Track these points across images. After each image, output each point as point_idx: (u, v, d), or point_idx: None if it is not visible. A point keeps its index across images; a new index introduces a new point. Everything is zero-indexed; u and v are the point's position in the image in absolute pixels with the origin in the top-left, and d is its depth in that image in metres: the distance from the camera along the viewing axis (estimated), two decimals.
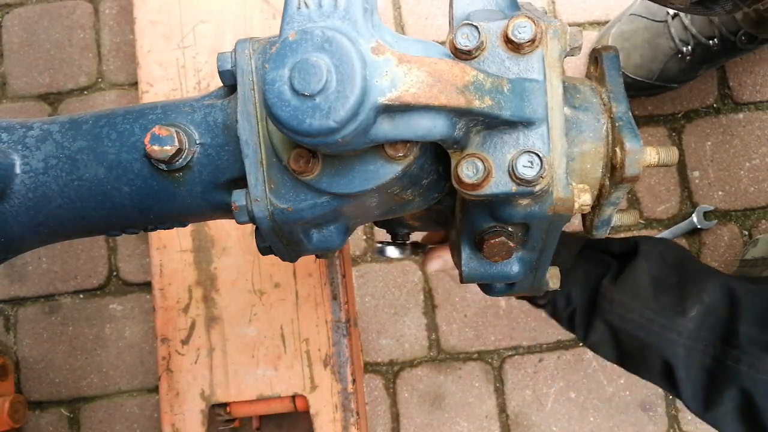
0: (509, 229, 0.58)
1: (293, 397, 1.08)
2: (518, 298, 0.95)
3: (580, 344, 1.26)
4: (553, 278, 0.74)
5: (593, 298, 0.85)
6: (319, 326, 1.07)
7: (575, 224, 1.33)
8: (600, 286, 0.84)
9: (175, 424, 1.07)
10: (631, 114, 0.58)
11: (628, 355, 0.84)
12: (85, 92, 1.43)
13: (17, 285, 1.37)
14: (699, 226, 1.32)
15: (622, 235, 1.34)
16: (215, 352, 1.08)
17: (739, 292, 0.78)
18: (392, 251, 0.80)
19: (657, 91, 1.30)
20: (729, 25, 1.19)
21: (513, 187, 0.50)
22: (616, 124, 0.57)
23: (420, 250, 0.88)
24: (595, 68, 0.63)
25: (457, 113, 0.47)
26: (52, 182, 0.56)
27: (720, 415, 0.76)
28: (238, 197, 0.53)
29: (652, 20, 1.24)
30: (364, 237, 1.37)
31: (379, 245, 0.80)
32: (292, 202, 0.52)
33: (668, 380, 0.80)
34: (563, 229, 0.72)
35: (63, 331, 1.36)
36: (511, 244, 0.58)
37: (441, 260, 0.86)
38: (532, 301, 0.93)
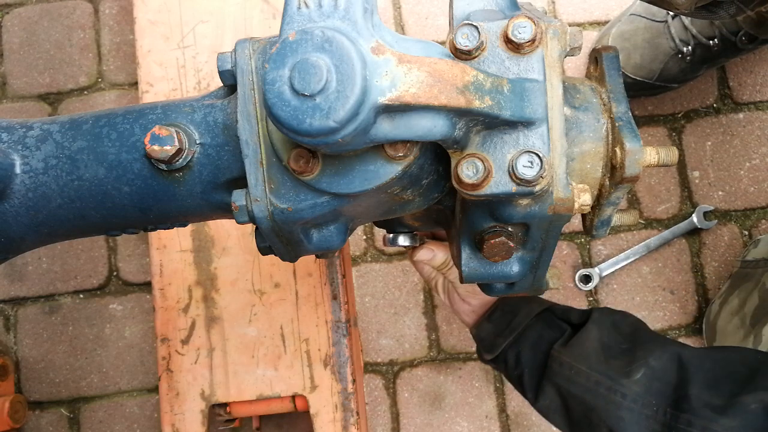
0: (509, 229, 0.58)
1: (293, 397, 1.08)
2: (481, 359, 0.95)
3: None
4: (553, 278, 0.74)
5: (543, 361, 0.84)
6: (319, 326, 1.07)
7: (575, 224, 1.33)
8: (551, 349, 0.84)
9: (175, 424, 1.07)
10: (631, 114, 0.58)
11: (576, 422, 0.82)
12: (85, 92, 1.43)
13: (17, 285, 1.37)
14: (699, 226, 1.32)
15: (622, 236, 1.34)
16: (215, 352, 1.08)
17: (687, 357, 0.77)
18: (403, 240, 0.81)
19: (657, 91, 1.30)
20: (729, 25, 1.19)
21: (513, 187, 0.50)
22: (616, 124, 0.57)
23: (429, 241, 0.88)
24: (595, 68, 0.63)
25: (457, 113, 0.47)
26: (52, 182, 0.56)
27: None
28: (238, 197, 0.53)
29: (653, 20, 1.24)
30: (364, 237, 1.37)
31: (391, 236, 0.80)
32: (292, 202, 0.52)
33: None
34: (536, 294, 0.72)
35: (63, 331, 1.36)
36: (511, 244, 0.58)
37: (429, 252, 0.86)
38: (480, 356, 0.94)
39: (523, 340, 0.87)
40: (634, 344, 0.81)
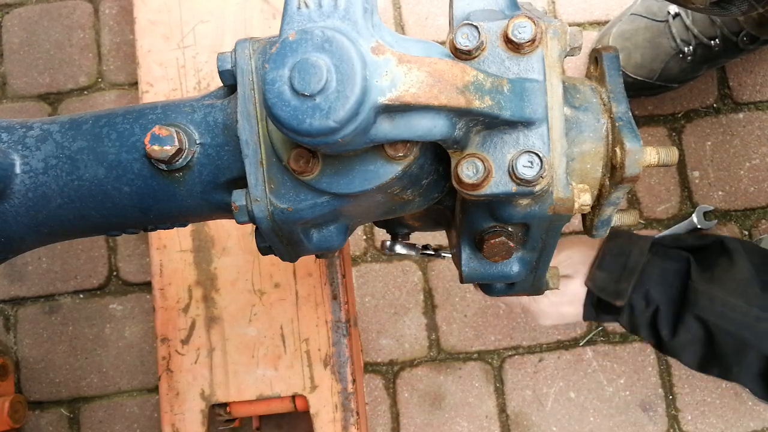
0: (509, 229, 0.58)
1: (293, 397, 1.08)
2: (585, 318, 0.91)
3: (584, 341, 1.23)
4: (553, 278, 0.73)
5: (678, 294, 0.81)
6: (319, 326, 1.07)
7: (575, 224, 1.33)
8: (689, 281, 0.80)
9: (175, 424, 1.07)
10: (631, 114, 0.58)
11: (721, 355, 0.80)
12: (85, 92, 1.43)
13: (17, 285, 1.37)
14: (699, 226, 1.32)
15: None
16: (215, 352, 1.08)
17: None
18: (401, 248, 0.80)
19: (657, 91, 1.30)
20: (730, 25, 1.19)
21: (513, 187, 0.50)
22: (616, 124, 0.57)
23: (428, 252, 0.87)
24: (595, 68, 0.63)
25: (457, 113, 0.47)
26: (52, 182, 0.56)
27: None
28: (238, 197, 0.53)
29: (653, 20, 1.24)
30: (364, 237, 1.37)
31: (389, 243, 0.80)
32: (292, 202, 0.52)
33: (765, 381, 0.77)
34: (628, 230, 0.70)
35: (63, 331, 1.36)
36: (511, 244, 0.58)
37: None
38: (603, 312, 0.88)
39: (648, 279, 0.83)
40: None
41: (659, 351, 0.87)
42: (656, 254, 0.84)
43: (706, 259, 0.81)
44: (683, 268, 0.82)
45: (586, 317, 0.90)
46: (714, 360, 0.81)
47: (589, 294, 0.88)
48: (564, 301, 0.90)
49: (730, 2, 0.78)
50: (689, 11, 1.21)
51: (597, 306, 0.89)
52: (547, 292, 0.84)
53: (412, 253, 0.82)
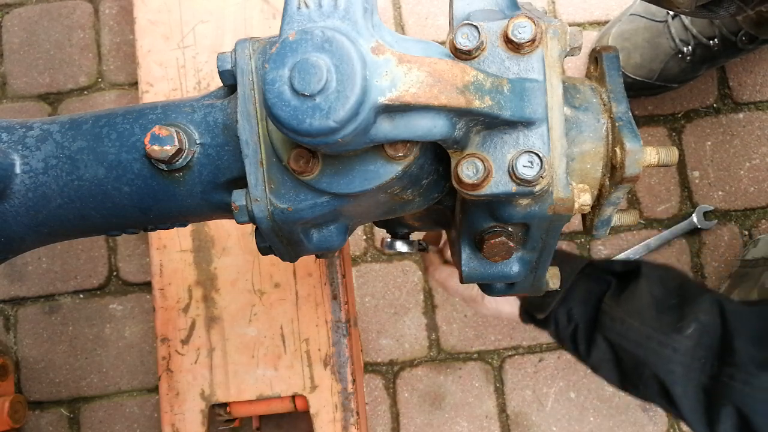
0: (509, 229, 0.58)
1: (293, 397, 1.08)
2: (523, 321, 0.96)
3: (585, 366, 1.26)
4: (553, 278, 0.73)
5: (595, 315, 0.85)
6: (319, 326, 1.07)
7: (575, 224, 1.33)
8: (602, 303, 0.85)
9: (175, 424, 1.07)
10: (631, 114, 0.58)
11: (627, 374, 0.84)
12: (85, 92, 1.43)
13: (17, 285, 1.37)
14: (699, 226, 1.32)
15: (622, 236, 1.34)
16: (215, 352, 1.08)
17: (732, 311, 0.79)
18: (401, 245, 0.81)
19: (657, 91, 1.30)
20: (729, 25, 1.19)
21: (513, 187, 0.50)
22: (616, 124, 0.57)
23: (424, 247, 0.89)
24: (595, 68, 0.63)
25: (457, 113, 0.47)
26: (52, 182, 0.56)
27: None
28: (238, 197, 0.53)
29: (653, 20, 1.24)
30: (364, 237, 1.37)
31: (389, 240, 0.81)
32: (292, 202, 0.52)
33: (666, 399, 0.80)
34: (566, 249, 0.72)
35: (63, 331, 1.36)
36: (511, 244, 0.58)
37: (445, 269, 0.88)
38: (535, 321, 0.93)
39: (572, 297, 0.87)
40: (682, 298, 0.83)
41: (586, 366, 0.92)
42: (584, 275, 0.88)
43: (623, 283, 0.86)
44: (602, 291, 0.86)
45: (523, 320, 0.96)
46: (626, 378, 0.85)
47: (522, 301, 0.94)
48: (502, 299, 0.95)
49: (718, 5, 0.78)
50: None
51: (528, 313, 0.94)
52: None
53: (412, 249, 0.83)
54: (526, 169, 0.50)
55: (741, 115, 1.36)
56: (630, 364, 0.82)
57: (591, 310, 0.86)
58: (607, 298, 0.85)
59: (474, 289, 0.96)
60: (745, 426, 0.74)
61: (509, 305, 0.96)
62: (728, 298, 0.83)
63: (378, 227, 0.82)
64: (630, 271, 0.87)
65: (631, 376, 0.83)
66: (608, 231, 0.66)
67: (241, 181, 0.55)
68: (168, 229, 0.63)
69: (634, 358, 0.81)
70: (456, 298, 1.34)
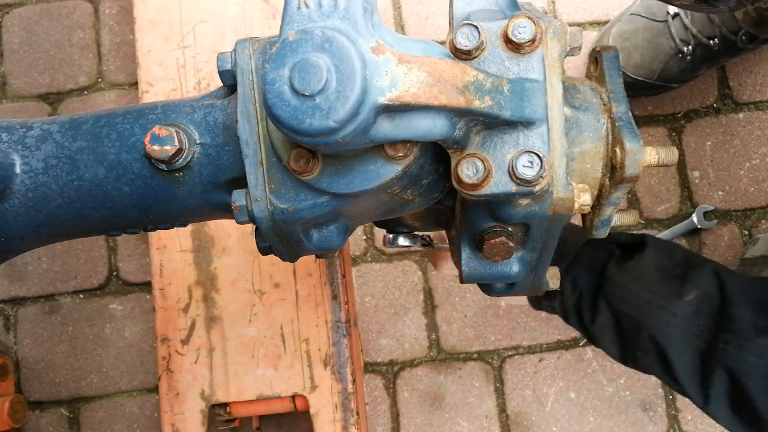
0: (509, 229, 0.58)
1: (293, 397, 1.08)
2: (532, 305, 0.95)
3: (584, 341, 1.26)
4: (553, 278, 0.73)
5: (599, 281, 0.86)
6: (319, 326, 1.07)
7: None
8: (605, 269, 0.85)
9: (175, 424, 1.07)
10: (631, 114, 0.58)
11: (627, 340, 0.84)
12: (85, 92, 1.43)
13: (17, 285, 1.37)
14: (699, 226, 1.32)
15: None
16: (215, 352, 1.08)
17: (731, 281, 0.79)
18: (403, 240, 0.81)
19: (657, 91, 1.30)
20: (729, 24, 1.19)
21: (513, 187, 0.50)
22: (616, 124, 0.57)
23: (428, 242, 0.88)
24: (595, 68, 0.63)
25: (457, 113, 0.47)
26: (52, 182, 0.56)
27: (713, 403, 0.77)
28: (238, 197, 0.53)
29: (653, 20, 1.24)
30: (364, 237, 1.37)
31: (391, 236, 0.81)
32: (292, 202, 0.52)
33: (663, 365, 0.81)
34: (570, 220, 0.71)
35: (63, 331, 1.36)
36: (511, 244, 0.58)
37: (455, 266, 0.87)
38: (540, 302, 0.93)
39: (577, 266, 0.87)
40: (686, 269, 0.83)
41: (589, 341, 0.91)
42: (590, 245, 0.88)
43: (627, 253, 0.86)
44: (606, 259, 0.86)
45: (532, 305, 0.95)
46: (625, 347, 0.85)
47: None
48: None
49: None
50: (688, 11, 1.21)
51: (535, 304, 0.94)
52: None
53: (414, 243, 0.82)
54: (526, 169, 0.50)
55: (741, 115, 1.36)
56: (630, 329, 0.83)
57: (595, 276, 0.86)
58: (611, 264, 0.85)
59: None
60: (738, 389, 0.74)
61: None
62: (729, 270, 0.83)
63: (378, 227, 0.82)
64: (635, 242, 0.87)
65: (631, 343, 0.84)
66: (608, 231, 0.66)
67: (241, 181, 0.55)
68: (168, 229, 0.63)
69: (634, 322, 0.82)
70: (455, 299, 1.34)
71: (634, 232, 1.34)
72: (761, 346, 0.73)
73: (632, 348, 0.84)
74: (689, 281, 0.81)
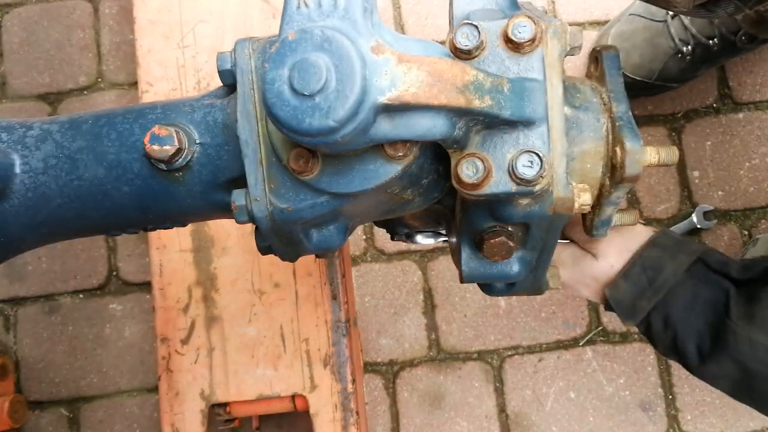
0: (509, 228, 0.58)
1: (293, 397, 1.07)
2: (605, 308, 0.84)
3: (584, 341, 1.23)
4: (553, 278, 0.73)
5: (708, 327, 0.75)
6: (318, 326, 1.07)
7: None
8: (726, 318, 0.73)
9: (174, 424, 1.07)
10: (631, 114, 0.58)
11: (760, 397, 0.75)
12: (85, 92, 1.42)
13: (17, 285, 1.37)
14: (699, 226, 1.32)
15: None
16: (215, 351, 1.08)
17: None
18: (421, 238, 0.79)
19: (657, 90, 1.30)
20: (729, 24, 1.19)
21: (513, 187, 0.50)
22: (617, 124, 0.57)
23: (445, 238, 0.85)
24: (596, 68, 0.63)
25: (456, 113, 0.47)
26: (51, 182, 0.56)
27: None
28: (237, 197, 0.53)
29: (652, 20, 1.24)
30: (364, 237, 1.36)
31: (406, 233, 0.78)
32: (292, 201, 0.52)
33: None
34: (677, 235, 0.65)
35: (63, 331, 1.36)
36: (511, 243, 0.58)
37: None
38: (622, 315, 0.81)
39: (673, 302, 0.75)
40: None
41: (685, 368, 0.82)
42: (692, 276, 0.76)
43: (749, 291, 0.74)
44: (719, 300, 0.74)
45: (605, 307, 0.84)
46: (750, 397, 0.77)
47: (603, 292, 0.82)
48: (583, 281, 0.82)
49: (716, 4, 0.77)
50: None
51: (611, 308, 0.83)
52: (599, 248, 0.79)
53: (435, 240, 0.79)
54: (526, 168, 0.50)
55: (741, 115, 1.36)
56: (764, 387, 0.73)
57: (700, 320, 0.75)
58: (734, 313, 0.73)
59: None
60: None
61: (588, 290, 0.82)
62: None
63: (378, 227, 0.82)
64: (754, 278, 0.75)
65: (764, 398, 0.74)
66: (608, 231, 0.66)
67: (240, 181, 0.55)
68: (168, 228, 0.63)
69: None
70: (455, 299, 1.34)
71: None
72: None
73: (765, 401, 0.76)
74: None
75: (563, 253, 0.81)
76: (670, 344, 0.77)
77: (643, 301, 0.76)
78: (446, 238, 0.81)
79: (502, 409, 1.32)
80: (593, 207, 0.62)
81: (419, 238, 0.79)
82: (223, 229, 1.09)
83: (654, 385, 1.31)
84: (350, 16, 0.45)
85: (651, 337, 0.79)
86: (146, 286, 1.36)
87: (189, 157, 0.55)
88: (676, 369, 1.30)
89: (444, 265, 1.34)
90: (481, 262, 0.61)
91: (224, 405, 1.09)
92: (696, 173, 1.35)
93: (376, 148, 0.49)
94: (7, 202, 0.56)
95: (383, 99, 0.43)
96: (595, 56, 0.63)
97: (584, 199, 0.53)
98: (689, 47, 1.22)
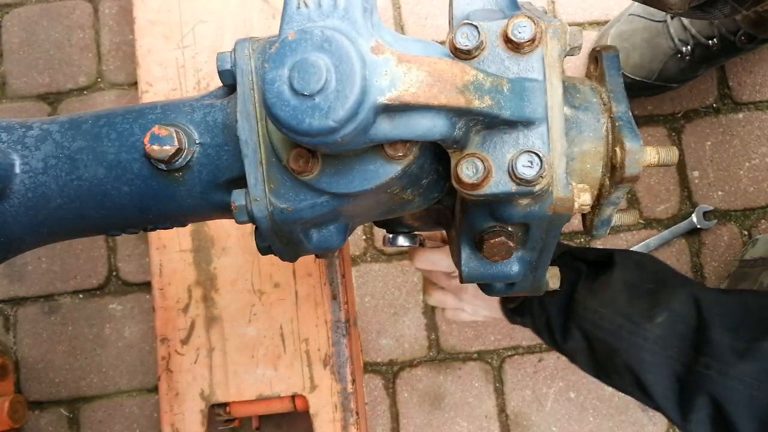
0: (509, 228, 0.58)
1: (293, 397, 1.08)
2: (508, 319, 0.95)
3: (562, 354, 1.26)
4: (552, 278, 0.73)
5: (567, 303, 0.85)
6: (318, 326, 1.07)
7: (575, 224, 1.33)
8: (574, 292, 0.84)
9: (174, 424, 1.07)
10: (631, 114, 0.58)
11: (601, 363, 0.83)
12: (85, 92, 1.42)
13: (17, 285, 1.37)
14: (699, 226, 1.32)
15: (622, 236, 1.34)
16: (215, 352, 1.08)
17: (707, 301, 0.78)
18: (403, 240, 0.81)
19: (656, 91, 1.30)
20: (728, 24, 1.19)
21: (513, 187, 0.50)
22: (616, 124, 0.57)
23: (423, 242, 0.88)
24: (595, 68, 0.63)
25: (456, 113, 0.47)
26: (51, 182, 0.56)
27: (694, 425, 0.75)
28: (237, 197, 0.53)
29: (651, 20, 1.24)
30: (364, 237, 1.37)
31: (390, 236, 0.81)
32: (292, 201, 0.52)
33: (639, 388, 0.80)
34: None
35: (63, 331, 1.36)
36: (511, 243, 0.58)
37: (428, 262, 0.88)
38: (513, 318, 0.93)
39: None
40: (657, 285, 0.82)
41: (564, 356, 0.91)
42: (558, 264, 0.86)
43: (596, 271, 0.85)
44: (574, 280, 0.85)
45: (508, 318, 0.95)
46: (600, 368, 0.84)
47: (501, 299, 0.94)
48: (482, 304, 0.95)
49: (712, 6, 0.77)
50: None
51: (507, 309, 0.93)
52: (470, 288, 0.90)
53: (414, 243, 0.82)
54: (526, 168, 0.50)
55: (741, 115, 1.36)
56: (603, 354, 0.82)
57: (563, 298, 0.85)
58: (580, 285, 0.84)
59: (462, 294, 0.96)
60: (720, 415, 0.73)
61: (487, 310, 0.95)
62: (704, 287, 0.82)
63: (378, 227, 0.82)
64: (603, 260, 0.86)
65: (605, 366, 0.83)
66: (608, 231, 0.66)
67: (240, 181, 0.55)
68: (168, 229, 0.63)
69: (607, 347, 0.81)
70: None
71: (634, 233, 1.34)
72: (743, 371, 0.72)
73: (607, 371, 0.83)
74: (660, 302, 0.79)
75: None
76: (546, 325, 0.87)
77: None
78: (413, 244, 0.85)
79: (502, 409, 1.32)
80: (593, 207, 0.62)
81: (400, 239, 0.81)
82: (223, 229, 1.09)
83: None
84: (350, 17, 0.45)
85: (535, 326, 0.89)
86: (146, 286, 1.36)
87: (189, 157, 0.55)
88: None
89: None
90: (481, 262, 0.61)
91: (224, 405, 1.09)
92: (696, 173, 1.35)
93: (376, 148, 0.49)
94: (7, 202, 0.56)
95: (383, 99, 0.43)
96: (595, 56, 0.63)
97: (584, 199, 0.53)
98: (689, 47, 1.22)
